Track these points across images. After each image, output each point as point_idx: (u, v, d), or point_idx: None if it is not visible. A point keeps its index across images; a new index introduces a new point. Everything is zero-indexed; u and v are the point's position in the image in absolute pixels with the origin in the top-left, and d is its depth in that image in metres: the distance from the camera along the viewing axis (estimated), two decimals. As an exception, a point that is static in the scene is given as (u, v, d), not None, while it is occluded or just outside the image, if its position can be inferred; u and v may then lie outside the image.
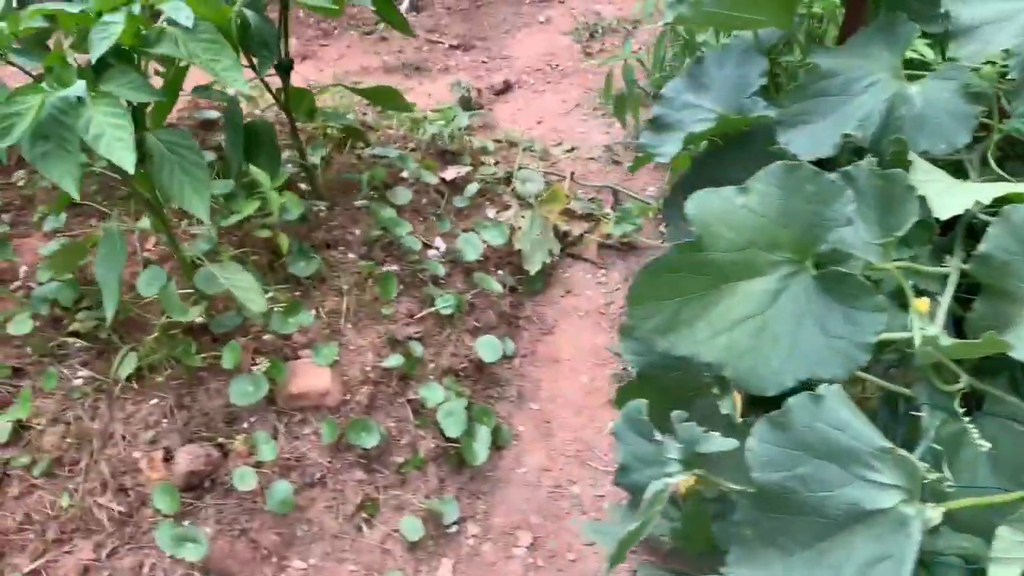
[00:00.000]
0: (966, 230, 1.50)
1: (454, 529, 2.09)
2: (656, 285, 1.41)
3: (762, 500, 1.24)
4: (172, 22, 1.81)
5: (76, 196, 1.68)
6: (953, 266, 1.43)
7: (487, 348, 2.34)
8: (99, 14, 1.76)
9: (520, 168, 2.99)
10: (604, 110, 3.57)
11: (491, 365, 2.36)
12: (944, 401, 1.33)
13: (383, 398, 2.20)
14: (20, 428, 2.05)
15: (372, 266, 2.40)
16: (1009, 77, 1.61)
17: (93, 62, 1.72)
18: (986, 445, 1.23)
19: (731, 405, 1.40)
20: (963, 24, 1.69)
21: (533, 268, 2.67)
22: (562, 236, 2.81)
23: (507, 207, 2.78)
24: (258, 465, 2.03)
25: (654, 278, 1.40)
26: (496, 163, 3.00)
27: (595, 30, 4.16)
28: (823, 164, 1.69)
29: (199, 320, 2.19)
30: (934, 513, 1.15)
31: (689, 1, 1.93)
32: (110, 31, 1.72)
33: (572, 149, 3.35)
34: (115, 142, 1.66)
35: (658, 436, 1.36)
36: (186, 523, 1.94)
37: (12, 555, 1.88)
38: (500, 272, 2.63)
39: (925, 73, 1.71)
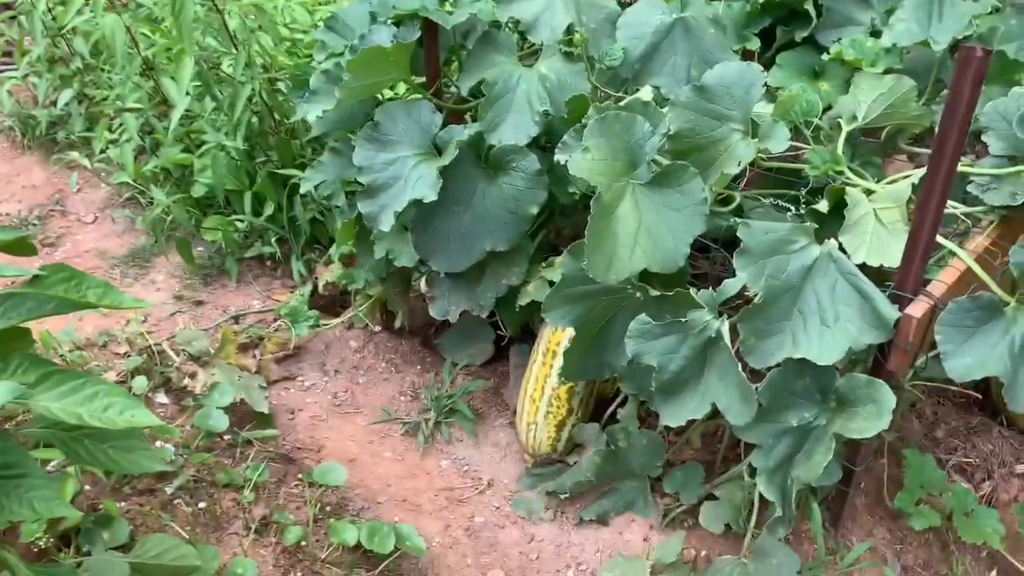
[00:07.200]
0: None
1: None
2: (597, 236, 1.78)
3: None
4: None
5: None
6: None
7: (331, 473, 2.29)
8: None
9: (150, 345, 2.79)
10: (135, 273, 3.42)
11: (337, 487, 2.31)
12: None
13: None
14: None
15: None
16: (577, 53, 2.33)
17: None
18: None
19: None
20: (527, 22, 2.35)
21: (264, 407, 2.59)
22: (252, 370, 2.75)
23: (193, 374, 2.61)
24: None
25: (594, 232, 1.78)
26: (126, 355, 2.73)
27: (32, 221, 3.81)
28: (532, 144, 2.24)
29: None
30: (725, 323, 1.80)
31: (340, 87, 2.23)
32: None
33: (147, 317, 3.16)
34: None
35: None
36: None
37: None
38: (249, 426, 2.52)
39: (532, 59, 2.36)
